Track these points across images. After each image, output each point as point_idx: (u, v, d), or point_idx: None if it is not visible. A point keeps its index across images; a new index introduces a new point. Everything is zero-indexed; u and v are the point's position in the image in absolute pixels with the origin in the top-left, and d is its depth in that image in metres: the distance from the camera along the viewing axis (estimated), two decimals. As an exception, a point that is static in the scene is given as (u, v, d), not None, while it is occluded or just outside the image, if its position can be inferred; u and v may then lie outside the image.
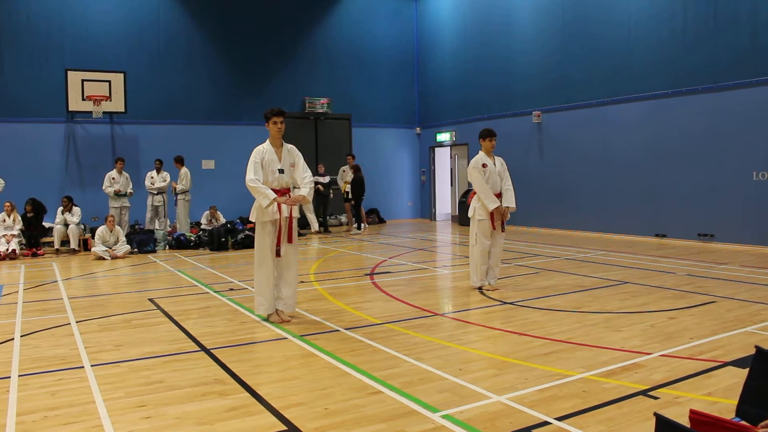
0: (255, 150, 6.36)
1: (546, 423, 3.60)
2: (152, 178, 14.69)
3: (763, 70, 11.15)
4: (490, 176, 7.87)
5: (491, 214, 7.83)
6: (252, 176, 6.19)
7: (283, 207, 6.28)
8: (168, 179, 14.71)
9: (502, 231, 8.01)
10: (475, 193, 7.99)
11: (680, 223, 12.66)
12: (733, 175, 11.67)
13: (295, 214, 6.45)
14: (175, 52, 17.00)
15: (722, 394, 3.99)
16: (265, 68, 18.15)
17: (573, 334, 5.62)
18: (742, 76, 11.50)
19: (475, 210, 7.94)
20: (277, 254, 6.34)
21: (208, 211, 14.90)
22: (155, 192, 14.62)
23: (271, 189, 6.23)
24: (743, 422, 2.33)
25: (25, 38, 15.26)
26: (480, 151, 8.03)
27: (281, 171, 6.35)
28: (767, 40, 11.10)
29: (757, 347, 2.61)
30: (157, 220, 14.57)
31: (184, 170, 14.69)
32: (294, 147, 6.62)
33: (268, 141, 6.47)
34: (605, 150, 14.24)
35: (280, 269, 6.45)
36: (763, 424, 2.20)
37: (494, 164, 7.93)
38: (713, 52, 11.95)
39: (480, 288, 7.96)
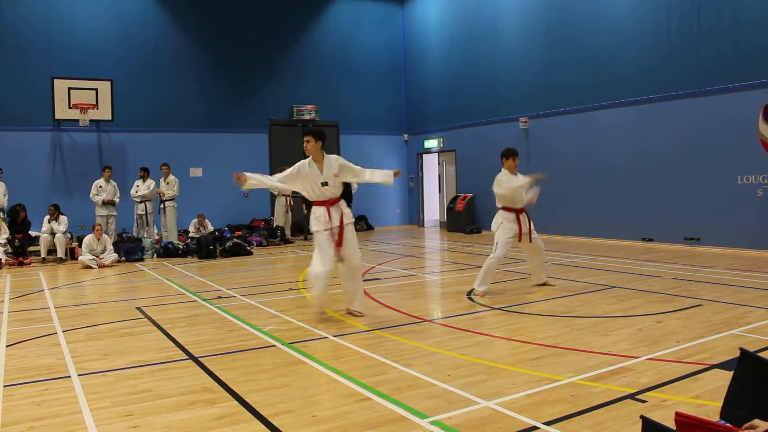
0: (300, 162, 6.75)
1: (534, 428, 3.61)
2: (137, 186, 14.62)
3: (746, 76, 11.28)
4: (515, 193, 8.00)
5: (519, 228, 7.92)
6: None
7: (333, 215, 6.57)
8: (152, 186, 14.61)
9: (530, 241, 8.11)
10: (502, 207, 8.08)
11: (666, 227, 12.75)
12: (718, 179, 11.78)
13: (347, 220, 6.67)
14: (163, 60, 16.95)
15: (709, 397, 4.02)
16: (253, 76, 18.14)
17: (561, 339, 5.64)
18: (725, 82, 11.63)
19: (500, 226, 8.00)
20: (341, 260, 6.67)
21: (196, 219, 14.84)
22: (138, 200, 14.55)
23: (320, 201, 6.62)
24: (728, 424, 2.35)
25: (11, 45, 15.17)
26: (503, 169, 8.13)
27: (324, 184, 6.60)
28: (749, 47, 11.24)
29: (741, 349, 2.63)
30: (145, 229, 14.50)
31: (172, 177, 14.63)
32: (338, 157, 6.84)
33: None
34: (591, 155, 14.33)
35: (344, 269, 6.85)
36: (746, 425, 2.22)
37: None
38: (697, 58, 12.08)
39: (469, 293, 7.98)
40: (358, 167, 6.85)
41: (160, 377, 4.81)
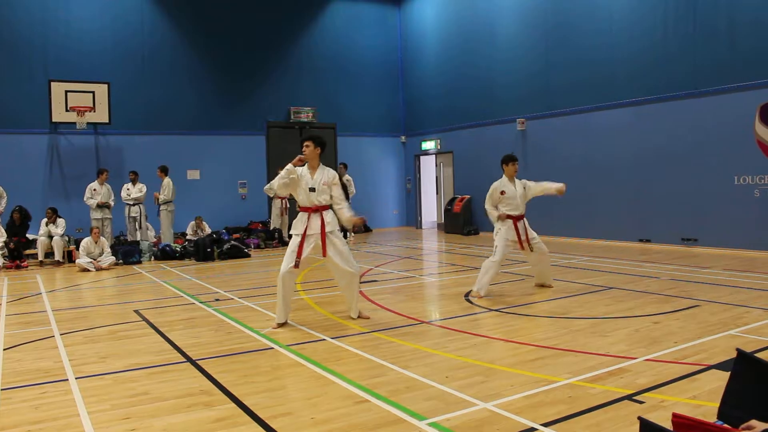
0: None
1: (532, 429, 3.61)
2: (128, 189, 14.61)
3: (743, 77, 11.32)
4: (511, 200, 8.01)
5: (518, 235, 7.97)
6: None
7: (314, 222, 6.50)
8: (144, 190, 14.58)
9: (531, 250, 8.13)
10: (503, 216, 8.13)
11: (664, 227, 12.77)
12: (715, 179, 11.81)
13: (329, 229, 6.56)
14: (159, 62, 16.95)
15: (707, 397, 4.03)
16: (251, 78, 18.15)
17: (559, 340, 5.64)
18: (722, 83, 11.66)
19: (498, 231, 8.05)
20: (295, 265, 6.42)
21: (193, 222, 14.83)
22: (131, 203, 14.53)
23: (305, 206, 6.57)
24: (725, 425, 2.36)
25: (7, 47, 15.16)
26: (503, 176, 8.13)
27: (312, 189, 6.58)
28: (745, 48, 11.27)
29: (738, 350, 2.63)
30: (138, 232, 14.48)
31: (166, 180, 14.61)
32: (333, 171, 6.78)
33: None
34: (589, 156, 14.35)
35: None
36: (743, 426, 2.22)
37: (515, 188, 8.05)
38: (694, 59, 12.11)
39: (467, 295, 7.99)
40: (342, 195, 6.76)
41: (158, 380, 4.80)
